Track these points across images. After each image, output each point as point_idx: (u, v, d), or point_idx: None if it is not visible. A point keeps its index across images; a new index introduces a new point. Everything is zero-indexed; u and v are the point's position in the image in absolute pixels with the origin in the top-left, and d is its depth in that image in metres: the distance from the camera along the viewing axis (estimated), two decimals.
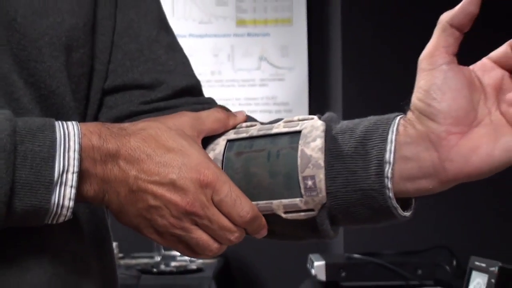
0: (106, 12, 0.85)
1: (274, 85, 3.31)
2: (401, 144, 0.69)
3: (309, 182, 0.71)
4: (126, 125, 0.74)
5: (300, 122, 0.76)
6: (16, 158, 0.65)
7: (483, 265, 1.38)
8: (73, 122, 0.70)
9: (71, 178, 0.68)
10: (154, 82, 0.87)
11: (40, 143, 0.67)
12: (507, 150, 0.66)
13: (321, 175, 0.71)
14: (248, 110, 3.24)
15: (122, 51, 0.86)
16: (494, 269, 1.33)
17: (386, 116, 0.72)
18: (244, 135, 0.78)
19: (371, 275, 2.11)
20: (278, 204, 0.74)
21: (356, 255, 2.20)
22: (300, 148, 0.72)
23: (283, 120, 0.78)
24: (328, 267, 2.11)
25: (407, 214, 0.72)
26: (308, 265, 2.25)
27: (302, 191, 0.72)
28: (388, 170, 0.69)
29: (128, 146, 0.71)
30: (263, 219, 0.74)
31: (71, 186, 0.68)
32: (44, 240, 0.74)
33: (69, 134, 0.69)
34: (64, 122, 0.69)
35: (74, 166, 0.68)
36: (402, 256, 2.22)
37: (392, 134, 0.69)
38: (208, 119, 0.79)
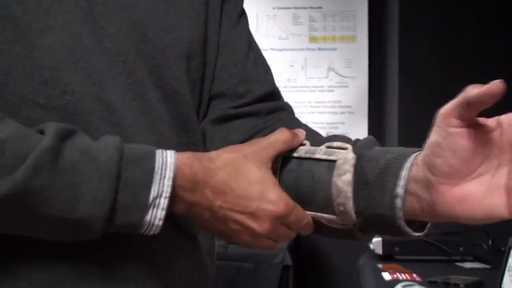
0: (215, 29, 0.87)
1: (340, 91, 3.29)
2: (410, 181, 0.66)
3: (341, 208, 0.71)
4: (213, 156, 0.73)
5: (337, 151, 0.74)
6: (119, 183, 0.65)
7: None
8: (172, 153, 0.70)
9: (163, 202, 0.68)
10: (242, 91, 0.87)
11: (140, 171, 0.67)
12: (488, 212, 0.60)
13: (350, 204, 0.71)
14: (318, 112, 3.22)
15: (220, 64, 0.87)
16: None
17: (405, 151, 0.69)
18: (295, 154, 0.78)
19: (420, 251, 2.09)
20: (321, 216, 0.74)
21: None
22: (333, 179, 0.72)
23: (325, 145, 0.76)
24: (384, 243, 2.10)
25: (421, 233, 0.70)
26: None
27: (337, 213, 0.72)
28: (399, 202, 0.66)
29: (215, 179, 0.70)
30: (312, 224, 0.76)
31: (163, 209, 0.68)
32: None
33: (167, 163, 0.68)
34: (164, 152, 0.69)
35: (167, 192, 0.68)
36: (446, 236, 2.19)
37: (405, 171, 0.66)
38: (277, 143, 0.76)
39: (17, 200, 0.61)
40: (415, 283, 1.79)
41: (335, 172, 0.72)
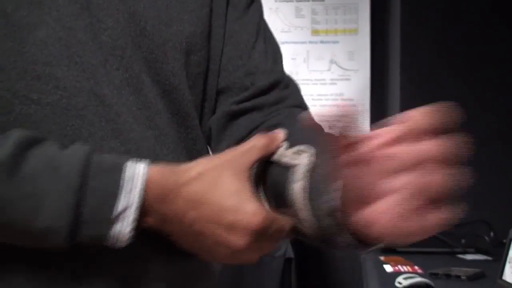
0: (220, 22, 0.84)
1: (342, 84, 3.30)
2: None
3: (299, 216, 0.67)
4: (186, 168, 0.68)
5: (301, 154, 0.69)
6: (83, 195, 0.63)
7: None
8: (144, 164, 0.66)
9: (132, 215, 0.64)
10: (248, 84, 0.84)
11: (107, 182, 0.64)
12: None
13: (303, 213, 0.66)
14: (320, 104, 3.23)
15: (226, 57, 0.85)
16: None
17: None
18: (274, 157, 0.74)
19: (422, 243, 2.09)
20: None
21: None
22: (290, 185, 0.67)
23: (295, 148, 0.71)
24: None
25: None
26: None
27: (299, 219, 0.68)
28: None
29: (188, 190, 0.66)
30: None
31: (131, 222, 0.64)
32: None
33: (136, 175, 0.65)
34: (135, 163, 0.66)
35: (134, 204, 0.64)
36: (448, 228, 2.21)
37: None
38: (254, 151, 0.72)
39: None
40: (417, 275, 1.79)
41: (291, 178, 0.68)
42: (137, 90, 0.75)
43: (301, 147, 0.70)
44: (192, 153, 0.80)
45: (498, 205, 2.42)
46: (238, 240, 0.66)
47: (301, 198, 0.66)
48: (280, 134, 0.75)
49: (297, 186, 0.66)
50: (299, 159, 0.69)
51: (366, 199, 0.51)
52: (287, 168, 0.70)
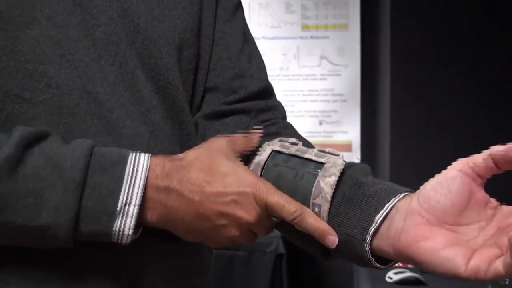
0: (209, 20, 0.86)
1: (332, 79, 3.30)
2: (393, 208, 0.67)
3: (316, 209, 0.71)
4: (182, 156, 0.72)
5: (328, 155, 0.74)
6: (85, 189, 0.63)
7: None
8: (145, 158, 0.68)
9: (132, 210, 0.65)
10: (236, 86, 0.87)
11: (108, 177, 0.65)
12: (446, 261, 0.60)
13: (325, 207, 0.70)
14: (310, 100, 3.20)
15: (215, 57, 0.86)
16: None
17: (397, 187, 0.70)
18: (285, 150, 0.77)
19: None
20: None
21: None
22: (318, 178, 0.72)
23: (317, 148, 0.76)
24: None
25: (382, 266, 0.70)
26: None
27: None
28: (371, 228, 0.67)
29: (189, 177, 0.68)
30: (326, 226, 0.70)
31: (132, 217, 0.65)
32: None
33: (137, 170, 0.66)
34: (137, 157, 0.67)
35: (136, 199, 0.65)
36: None
37: (391, 203, 0.67)
38: (240, 141, 0.77)
39: None
40: (407, 270, 1.80)
41: (321, 173, 0.72)
42: (132, 85, 0.75)
43: (326, 149, 0.76)
44: (186, 149, 0.80)
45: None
46: (246, 212, 0.69)
47: (328, 192, 0.71)
48: (256, 135, 0.80)
49: (329, 180, 0.71)
50: (329, 159, 0.73)
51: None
52: (307, 163, 0.74)
